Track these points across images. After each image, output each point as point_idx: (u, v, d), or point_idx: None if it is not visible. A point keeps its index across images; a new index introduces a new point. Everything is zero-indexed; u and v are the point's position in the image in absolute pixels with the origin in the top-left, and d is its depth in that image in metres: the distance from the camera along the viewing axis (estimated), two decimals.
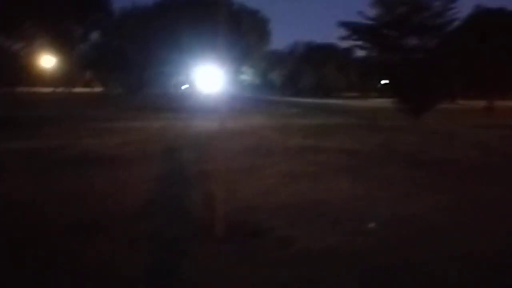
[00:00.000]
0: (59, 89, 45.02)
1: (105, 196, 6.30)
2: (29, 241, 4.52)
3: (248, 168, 8.27)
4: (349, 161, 9.46)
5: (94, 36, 35.82)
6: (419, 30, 21.06)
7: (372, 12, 22.06)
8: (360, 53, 31.12)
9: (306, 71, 61.35)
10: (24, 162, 8.86)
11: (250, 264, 4.06)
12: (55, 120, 18.21)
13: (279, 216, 5.44)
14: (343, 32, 23.24)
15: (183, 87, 53.50)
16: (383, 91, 43.63)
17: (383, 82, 37.90)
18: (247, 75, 52.83)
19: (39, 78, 44.91)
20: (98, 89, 51.42)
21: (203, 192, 6.31)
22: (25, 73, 39.99)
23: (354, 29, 22.83)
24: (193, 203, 6.01)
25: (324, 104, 41.86)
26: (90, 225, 5.03)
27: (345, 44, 47.39)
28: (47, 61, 41.40)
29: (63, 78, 47.62)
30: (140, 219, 5.26)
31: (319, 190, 6.85)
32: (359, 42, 23.86)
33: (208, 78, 45.24)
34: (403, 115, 20.86)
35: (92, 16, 19.42)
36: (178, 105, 30.54)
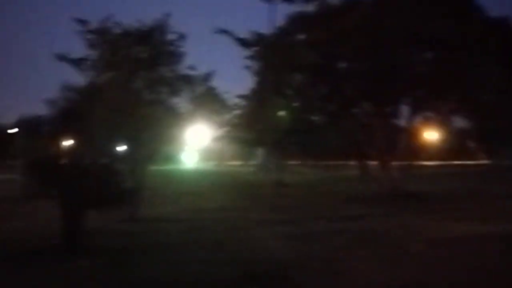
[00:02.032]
0: (445, 162, 44.86)
1: None
2: None
3: None
4: None
5: None
6: None
7: None
8: None
9: None
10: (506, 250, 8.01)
11: None
12: (469, 196, 17.31)
13: None
14: None
15: None
16: None
17: None
18: None
19: (423, 151, 46.29)
20: (484, 161, 48.41)
21: None
22: (416, 147, 41.96)
23: None
24: None
25: None
26: None
27: None
28: (431, 134, 42.16)
29: (448, 150, 47.37)
30: None
31: None
32: None
33: None
34: None
35: None
36: None
